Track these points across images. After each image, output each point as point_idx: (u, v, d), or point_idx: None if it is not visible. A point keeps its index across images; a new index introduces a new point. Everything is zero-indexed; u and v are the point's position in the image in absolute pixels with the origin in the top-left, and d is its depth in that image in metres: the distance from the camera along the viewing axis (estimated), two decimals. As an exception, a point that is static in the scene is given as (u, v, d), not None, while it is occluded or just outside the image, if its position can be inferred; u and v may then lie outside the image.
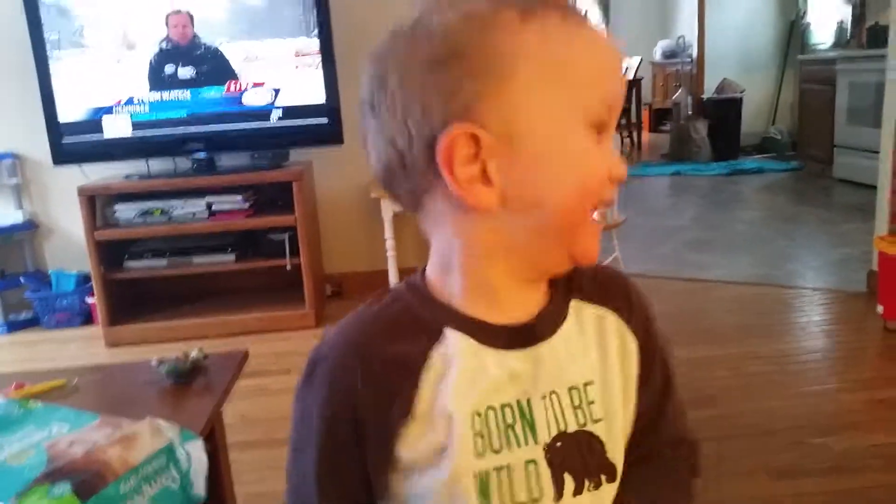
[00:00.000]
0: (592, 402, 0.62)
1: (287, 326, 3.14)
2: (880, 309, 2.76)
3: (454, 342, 0.60)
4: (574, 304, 0.64)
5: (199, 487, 0.91)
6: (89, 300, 3.35)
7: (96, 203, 3.10)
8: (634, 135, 8.58)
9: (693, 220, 4.87)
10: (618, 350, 0.65)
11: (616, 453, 0.63)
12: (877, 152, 3.10)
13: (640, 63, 8.74)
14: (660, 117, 9.26)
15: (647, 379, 0.67)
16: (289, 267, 3.14)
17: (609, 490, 0.63)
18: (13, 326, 3.41)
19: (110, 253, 3.14)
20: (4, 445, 0.88)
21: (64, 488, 0.77)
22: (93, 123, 3.11)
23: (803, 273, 3.59)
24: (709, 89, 7.72)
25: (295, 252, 3.13)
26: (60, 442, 0.87)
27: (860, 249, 3.42)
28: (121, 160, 3.22)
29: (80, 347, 3.19)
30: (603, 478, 0.62)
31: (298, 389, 0.65)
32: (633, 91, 8.52)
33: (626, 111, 8.42)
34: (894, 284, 2.67)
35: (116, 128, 3.13)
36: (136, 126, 3.13)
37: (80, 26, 3.07)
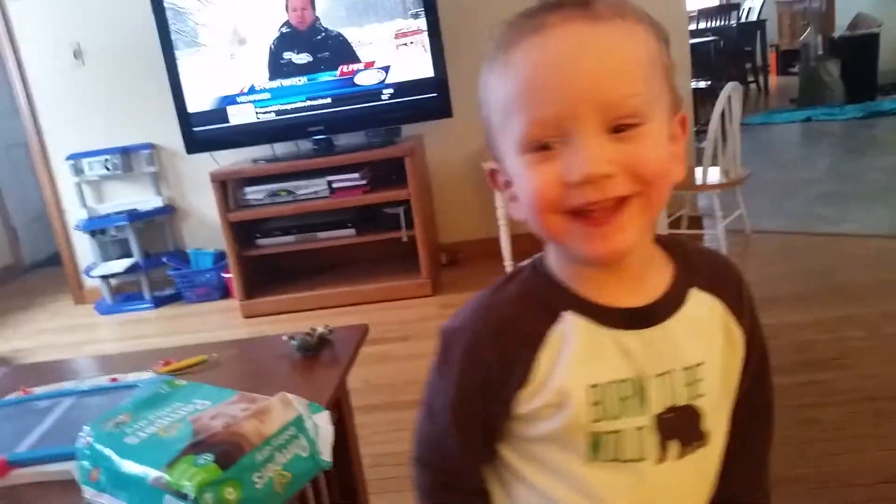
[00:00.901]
0: (701, 380, 0.68)
1: (405, 295, 3.25)
2: None
3: (571, 322, 0.66)
4: (693, 292, 0.69)
5: (327, 454, 0.99)
6: (225, 276, 3.59)
7: (227, 187, 3.31)
8: (761, 79, 8.13)
9: (826, 171, 4.60)
10: (724, 338, 0.71)
11: (714, 424, 0.70)
12: None
13: (763, 2, 8.23)
14: (788, 59, 8.71)
15: (749, 361, 0.73)
16: (405, 238, 3.24)
17: (705, 453, 0.70)
18: (159, 302, 3.72)
19: (242, 232, 3.34)
20: (155, 420, 0.99)
21: (207, 458, 0.86)
22: (219, 113, 3.31)
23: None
24: (840, 26, 7.18)
25: (410, 224, 3.22)
26: (203, 416, 0.97)
27: None
28: (247, 146, 3.41)
29: (220, 319, 3.44)
30: (698, 444, 0.69)
31: (436, 363, 0.73)
32: (758, 33, 8.05)
33: (750, 54, 7.98)
34: None
35: (241, 115, 3.31)
36: (259, 113, 3.30)
37: (195, 25, 3.25)
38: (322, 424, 1.01)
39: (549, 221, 0.61)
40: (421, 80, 3.18)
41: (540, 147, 0.59)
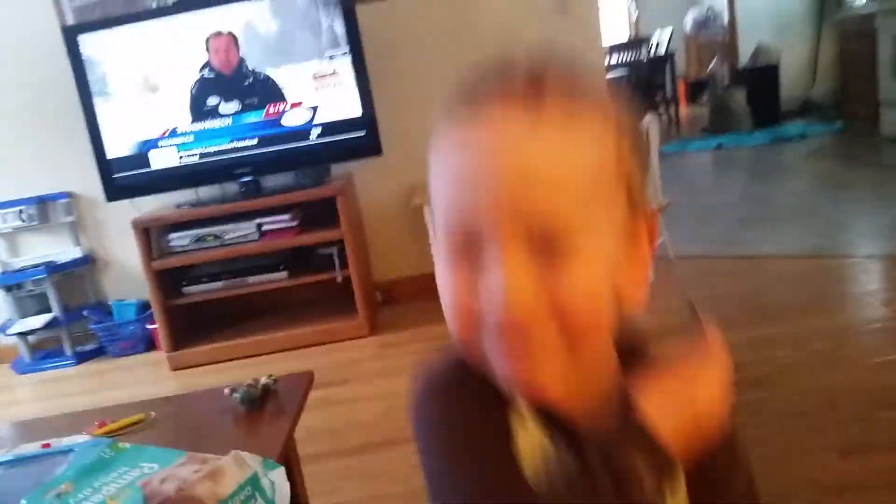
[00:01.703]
0: None
1: (342, 337, 3.21)
2: (940, 272, 2.71)
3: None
4: None
5: (284, 513, 0.96)
6: (150, 327, 3.46)
7: (150, 234, 3.21)
8: (672, 110, 8.47)
9: (740, 195, 4.81)
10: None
11: None
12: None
13: (671, 35, 8.62)
14: (696, 90, 9.12)
15: None
16: (339, 279, 3.20)
17: None
18: (81, 357, 3.55)
19: (167, 280, 3.24)
20: (101, 487, 0.94)
21: (162, 526, 0.82)
22: (140, 158, 3.22)
23: (857, 241, 3.52)
24: (744, 56, 7.58)
25: (344, 264, 3.19)
26: (153, 480, 0.92)
27: (916, 211, 3.35)
28: (170, 191, 3.32)
29: (147, 373, 3.31)
30: None
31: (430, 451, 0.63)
32: (668, 66, 8.41)
33: (660, 86, 8.32)
34: (953, 246, 2.61)
35: (163, 160, 3.23)
36: (182, 156, 3.23)
37: (103, 74, 3.18)
38: (278, 481, 0.98)
39: (464, 330, 0.54)
40: (349, 119, 3.18)
41: (460, 245, 0.53)
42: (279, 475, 0.98)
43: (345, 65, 3.14)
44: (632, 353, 0.60)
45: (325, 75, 3.16)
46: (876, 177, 4.59)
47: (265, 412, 1.39)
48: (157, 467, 0.97)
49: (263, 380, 1.44)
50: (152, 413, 1.42)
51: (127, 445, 1.07)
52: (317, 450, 2.26)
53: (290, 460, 1.39)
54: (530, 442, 0.55)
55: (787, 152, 5.88)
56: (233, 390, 1.42)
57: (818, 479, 1.74)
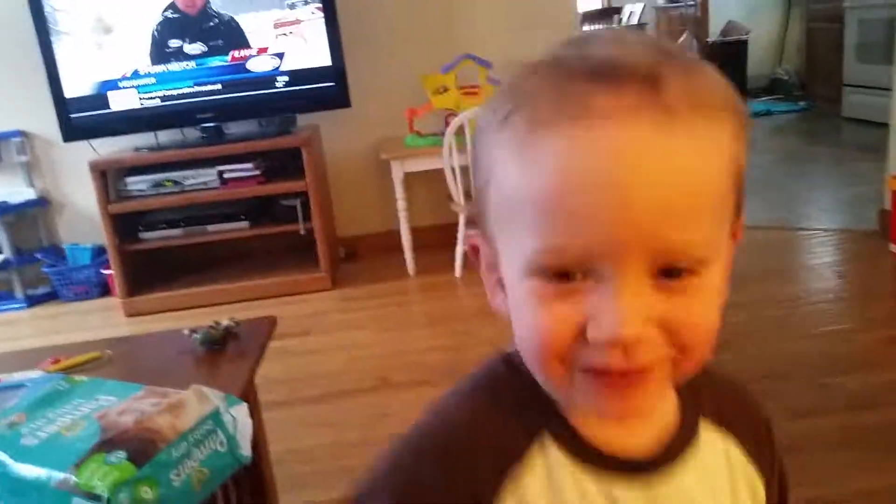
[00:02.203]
0: None
1: (303, 290, 3.18)
2: (893, 247, 2.77)
3: (553, 455, 0.50)
4: (703, 425, 0.54)
5: (246, 449, 0.94)
6: (105, 272, 3.38)
7: (108, 177, 3.12)
8: (639, 82, 8.48)
9: (702, 167, 4.85)
10: (749, 499, 0.55)
11: None
12: (888, 89, 3.07)
13: (643, 8, 8.60)
14: (664, 63, 9.12)
15: None
16: (302, 231, 3.16)
17: None
18: (32, 301, 3.46)
19: (124, 225, 3.16)
20: (56, 418, 0.91)
21: (120, 456, 0.80)
22: (99, 98, 3.11)
23: (816, 214, 3.59)
24: (714, 32, 7.60)
25: (307, 216, 3.15)
26: (110, 412, 0.90)
27: (872, 188, 3.40)
28: (130, 133, 3.23)
29: (101, 318, 3.24)
30: None
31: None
32: (637, 37, 8.39)
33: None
34: (907, 222, 2.67)
35: (123, 101, 3.13)
36: (143, 98, 3.13)
37: (58, 11, 3.05)
38: (240, 417, 0.96)
39: (553, 371, 0.46)
40: (318, 68, 3.11)
41: (556, 276, 0.44)
42: (241, 411, 0.96)
43: (307, 13, 3.06)
44: None
45: (286, 23, 3.08)
46: (836, 155, 4.67)
47: (226, 354, 1.36)
48: (114, 400, 0.94)
49: (225, 322, 1.41)
50: (108, 351, 1.38)
51: (83, 378, 1.04)
52: (276, 398, 2.25)
53: (250, 402, 1.38)
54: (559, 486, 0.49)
55: (751, 128, 5.94)
56: (193, 331, 1.39)
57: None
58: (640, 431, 0.51)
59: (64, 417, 0.91)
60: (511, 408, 0.51)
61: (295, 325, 2.82)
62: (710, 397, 0.55)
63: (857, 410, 1.90)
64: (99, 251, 3.43)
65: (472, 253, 0.54)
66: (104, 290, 3.46)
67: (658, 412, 0.52)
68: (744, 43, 7.10)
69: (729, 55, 6.98)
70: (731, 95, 0.46)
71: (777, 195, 3.89)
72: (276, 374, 2.42)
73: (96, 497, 0.76)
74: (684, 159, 0.42)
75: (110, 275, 3.29)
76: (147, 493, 0.79)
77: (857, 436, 1.79)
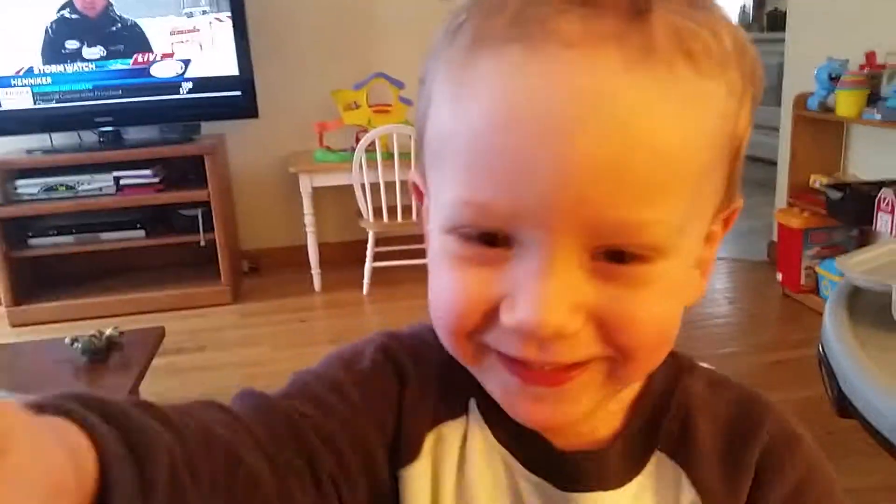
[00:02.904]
0: None
1: (202, 303, 3.08)
2: (780, 276, 2.93)
3: (473, 425, 0.44)
4: (655, 460, 0.44)
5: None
6: (-11, 280, 3.18)
7: (-4, 178, 2.95)
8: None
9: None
10: None
11: None
12: (777, 129, 3.25)
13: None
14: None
15: None
16: (202, 243, 3.06)
17: None
18: None
19: (13, 230, 2.99)
20: None
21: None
22: (-12, 94, 2.95)
23: (709, 244, 3.75)
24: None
25: (209, 228, 3.05)
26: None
27: (762, 222, 3.59)
28: (21, 134, 3.06)
29: (-19, 328, 3.04)
30: None
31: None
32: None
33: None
34: (793, 254, 2.83)
35: (15, 100, 2.97)
36: (37, 98, 2.98)
37: None
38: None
39: (459, 346, 0.39)
40: (224, 77, 3.04)
41: (477, 237, 0.36)
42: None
43: (206, 22, 3.00)
44: None
45: (184, 31, 3.01)
46: (730, 188, 4.91)
47: (109, 365, 1.30)
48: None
49: (108, 331, 1.35)
50: (-22, 360, 1.30)
51: (-58, 386, 0.96)
52: (165, 416, 2.15)
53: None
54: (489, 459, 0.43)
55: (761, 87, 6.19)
56: (74, 340, 1.32)
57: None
58: (574, 433, 0.43)
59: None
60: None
61: (190, 340, 2.72)
62: (679, 425, 0.44)
63: (742, 431, 1.97)
64: (-19, 257, 3.23)
65: (416, 194, 0.45)
66: (-14, 298, 3.25)
67: (591, 429, 0.43)
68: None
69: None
70: (740, 43, 0.36)
71: None
72: (171, 391, 2.32)
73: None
74: (656, 115, 0.32)
75: (-7, 283, 3.09)
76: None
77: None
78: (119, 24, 2.98)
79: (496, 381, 0.39)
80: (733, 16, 6.16)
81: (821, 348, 1.00)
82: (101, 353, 1.29)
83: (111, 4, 2.97)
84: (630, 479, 0.43)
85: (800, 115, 2.80)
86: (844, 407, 0.90)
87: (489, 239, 0.35)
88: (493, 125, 0.33)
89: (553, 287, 0.34)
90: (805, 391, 2.07)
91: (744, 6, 6.88)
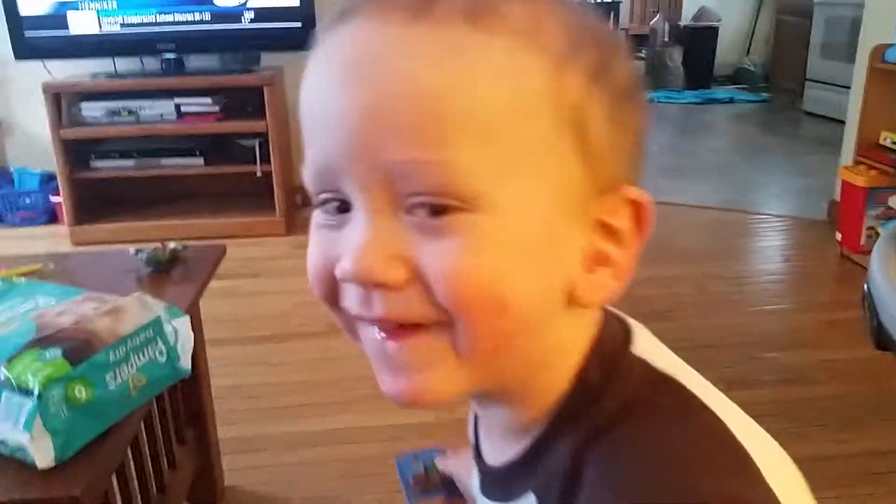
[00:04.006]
0: None
1: (256, 233, 3.14)
2: (839, 236, 2.85)
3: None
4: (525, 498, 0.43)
5: (186, 362, 0.93)
6: (54, 199, 3.29)
7: (62, 101, 3.02)
8: (609, 60, 8.50)
9: (665, 147, 4.90)
10: None
11: None
12: (847, 87, 3.13)
13: (618, -14, 8.59)
14: (635, 43, 9.16)
15: None
16: (259, 174, 3.11)
17: None
18: (-25, 224, 3.36)
19: (76, 152, 3.07)
20: (-10, 315, 0.89)
21: (55, 353, 0.79)
22: (58, 18, 3.00)
23: (767, 200, 3.67)
24: (686, 16, 7.65)
25: (265, 159, 3.09)
26: (48, 313, 0.88)
27: (824, 180, 3.49)
28: (87, 58, 3.12)
29: (46, 245, 3.15)
30: None
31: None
32: (612, 15, 8.40)
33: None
34: (855, 213, 2.75)
35: (83, 24, 3.02)
36: (103, 22, 3.03)
37: None
38: (182, 330, 0.95)
39: (341, 320, 0.41)
40: (286, 7, 3.04)
41: (323, 202, 0.39)
42: (183, 324, 0.95)
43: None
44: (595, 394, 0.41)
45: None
46: (792, 146, 4.77)
47: (171, 277, 1.34)
48: (53, 302, 0.92)
49: (173, 244, 1.39)
50: (51, 265, 1.35)
51: (22, 280, 1.01)
52: (220, 335, 2.22)
53: (194, 326, 1.36)
54: None
55: (713, 114, 6.03)
56: (139, 251, 1.36)
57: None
58: (499, 449, 0.46)
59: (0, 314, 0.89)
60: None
61: (244, 267, 2.79)
62: (552, 469, 0.41)
63: (788, 384, 1.96)
64: (48, 178, 3.33)
65: None
66: (51, 217, 3.36)
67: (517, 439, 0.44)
68: (714, 30, 7.16)
69: (699, 41, 7.03)
70: (554, 14, 0.38)
71: (731, 179, 3.97)
72: (222, 313, 2.39)
73: (27, 392, 0.75)
74: (417, 59, 0.35)
75: (59, 202, 3.20)
76: (81, 392, 0.78)
77: (786, 408, 1.86)
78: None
79: (370, 355, 0.40)
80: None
81: (865, 286, 0.99)
82: (164, 265, 1.33)
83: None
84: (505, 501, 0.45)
85: (875, 67, 2.68)
86: (882, 339, 0.90)
87: (344, 207, 0.38)
88: (303, 93, 0.39)
89: (367, 236, 0.36)
90: (857, 352, 2.05)
91: (821, -44, 6.54)
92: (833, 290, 2.68)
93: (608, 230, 0.40)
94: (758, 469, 0.38)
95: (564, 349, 0.42)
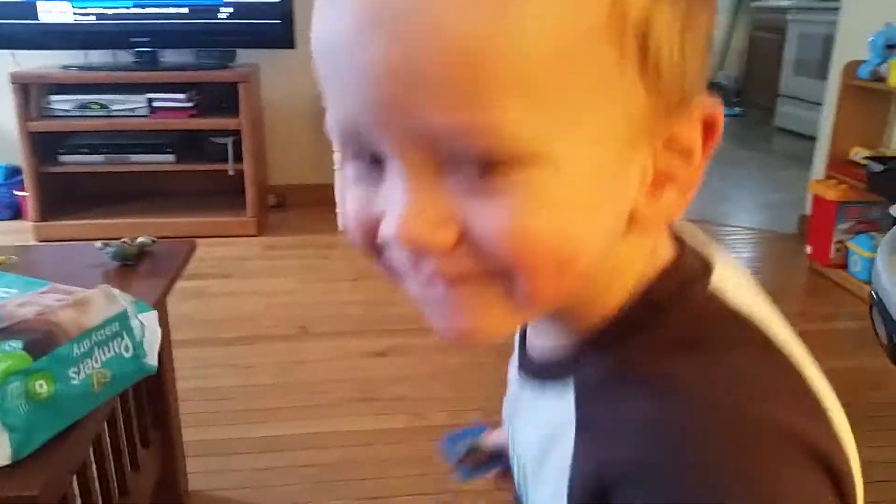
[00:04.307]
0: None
1: (227, 233, 3.09)
2: (809, 249, 2.88)
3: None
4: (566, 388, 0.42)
5: (152, 358, 0.90)
6: (18, 194, 3.21)
7: (30, 92, 2.94)
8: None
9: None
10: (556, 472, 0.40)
11: None
12: (819, 103, 3.17)
13: None
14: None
15: None
16: (231, 172, 3.06)
17: None
18: (-67, 217, 3.26)
19: (43, 145, 3.00)
20: (-53, 305, 0.85)
21: (15, 345, 0.75)
22: (27, 6, 2.93)
23: (737, 213, 3.70)
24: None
25: (238, 158, 3.05)
26: (9, 304, 0.84)
27: (795, 195, 3.53)
28: (58, 49, 3.05)
29: (8, 241, 3.05)
30: None
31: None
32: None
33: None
34: (825, 227, 2.78)
35: (54, 14, 2.95)
36: (77, 13, 2.96)
37: None
38: (149, 325, 0.91)
39: (385, 270, 0.39)
40: (264, 3, 3.00)
41: (353, 155, 0.36)
42: (151, 319, 0.91)
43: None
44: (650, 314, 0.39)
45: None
46: (764, 161, 4.83)
47: (138, 272, 1.31)
48: (15, 293, 0.88)
49: (141, 238, 1.35)
50: (13, 257, 1.31)
51: (-18, 270, 0.97)
52: (188, 336, 2.17)
53: (160, 323, 1.32)
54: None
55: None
56: (106, 244, 1.33)
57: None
58: (540, 344, 0.46)
59: (-44, 305, 0.84)
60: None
61: (215, 267, 2.74)
62: (599, 367, 0.40)
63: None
64: (13, 172, 3.25)
65: None
66: (15, 212, 3.28)
67: (548, 338, 0.44)
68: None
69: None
70: None
71: (702, 191, 3.86)
72: (191, 312, 2.35)
73: (-16, 384, 0.71)
74: (454, 8, 0.30)
75: (23, 197, 3.12)
76: (42, 386, 0.74)
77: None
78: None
79: (418, 300, 0.38)
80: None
81: (874, 293, 0.98)
82: (131, 259, 1.29)
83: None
84: (547, 384, 0.44)
85: (848, 84, 2.72)
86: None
87: (377, 159, 0.35)
88: (323, 25, 0.34)
89: (410, 200, 0.33)
90: (832, 363, 2.05)
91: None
92: (803, 302, 2.71)
93: (676, 147, 0.37)
94: (829, 417, 0.36)
95: (624, 271, 0.40)
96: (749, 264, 3.00)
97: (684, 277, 0.40)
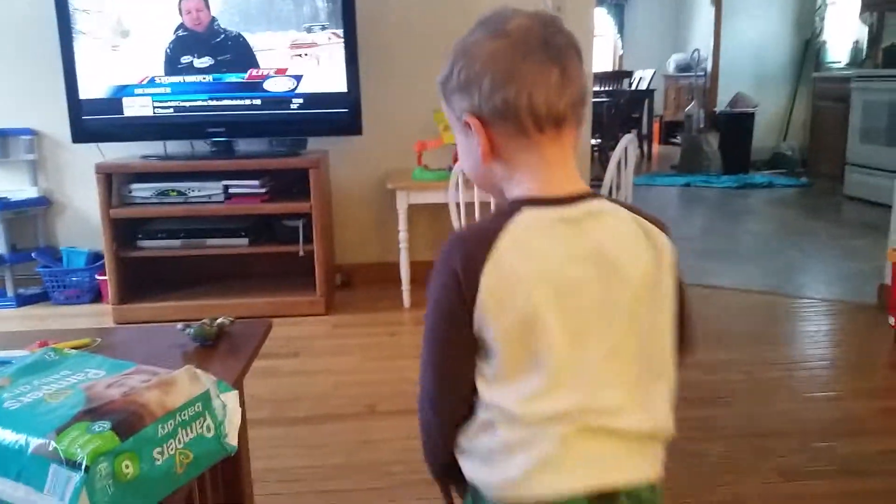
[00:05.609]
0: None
1: (297, 312, 3.14)
2: (892, 320, 2.76)
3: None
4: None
5: (233, 438, 0.91)
6: (99, 278, 3.35)
7: (113, 181, 3.11)
8: (645, 146, 8.58)
9: (702, 230, 4.87)
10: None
11: None
12: (890, 171, 3.10)
13: (653, 74, 8.76)
14: (670, 129, 9.26)
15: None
16: (301, 253, 3.14)
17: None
18: (22, 300, 3.42)
19: (124, 231, 3.15)
20: (41, 386, 0.88)
21: (104, 426, 0.77)
22: (113, 102, 3.13)
23: (813, 284, 3.59)
24: (721, 103, 7.73)
25: (308, 239, 3.13)
26: (98, 384, 0.87)
27: (871, 265, 3.42)
28: (140, 140, 3.24)
29: (89, 323, 3.19)
30: None
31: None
32: (646, 102, 8.52)
33: (637, 120, 8.42)
34: (906, 297, 2.67)
35: (137, 108, 3.14)
36: (156, 107, 3.15)
37: (76, 11, 3.07)
38: (230, 405, 0.93)
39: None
40: (333, 93, 3.13)
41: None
42: (232, 398, 0.93)
43: (324, 38, 3.10)
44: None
45: (302, 45, 3.11)
46: (835, 230, 4.70)
47: (218, 352, 1.34)
48: (103, 374, 0.92)
49: (220, 319, 1.39)
50: (98, 339, 1.36)
51: (73, 352, 1.01)
52: (259, 416, 2.20)
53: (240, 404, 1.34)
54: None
55: (752, 198, 5.99)
56: (186, 326, 1.37)
57: (759, 500, 1.76)
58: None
59: (49, 385, 0.88)
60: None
61: (285, 346, 2.79)
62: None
63: (847, 476, 1.86)
64: (95, 257, 3.42)
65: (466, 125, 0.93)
66: (96, 296, 3.43)
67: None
68: (750, 115, 7.20)
69: (735, 126, 7.08)
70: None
71: (774, 262, 3.90)
72: (262, 392, 2.38)
73: (75, 465, 0.73)
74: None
75: (104, 281, 3.26)
76: (128, 467, 0.76)
77: (847, 501, 1.76)
78: (223, 36, 3.11)
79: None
80: (846, 50, 6.03)
81: None
82: (211, 340, 1.33)
83: (215, 19, 3.11)
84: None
85: (921, 151, 2.66)
86: None
87: None
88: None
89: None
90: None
91: (857, 41, 6.63)
92: (888, 376, 2.58)
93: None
94: (483, 267, 0.79)
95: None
96: (829, 337, 2.89)
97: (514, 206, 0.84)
